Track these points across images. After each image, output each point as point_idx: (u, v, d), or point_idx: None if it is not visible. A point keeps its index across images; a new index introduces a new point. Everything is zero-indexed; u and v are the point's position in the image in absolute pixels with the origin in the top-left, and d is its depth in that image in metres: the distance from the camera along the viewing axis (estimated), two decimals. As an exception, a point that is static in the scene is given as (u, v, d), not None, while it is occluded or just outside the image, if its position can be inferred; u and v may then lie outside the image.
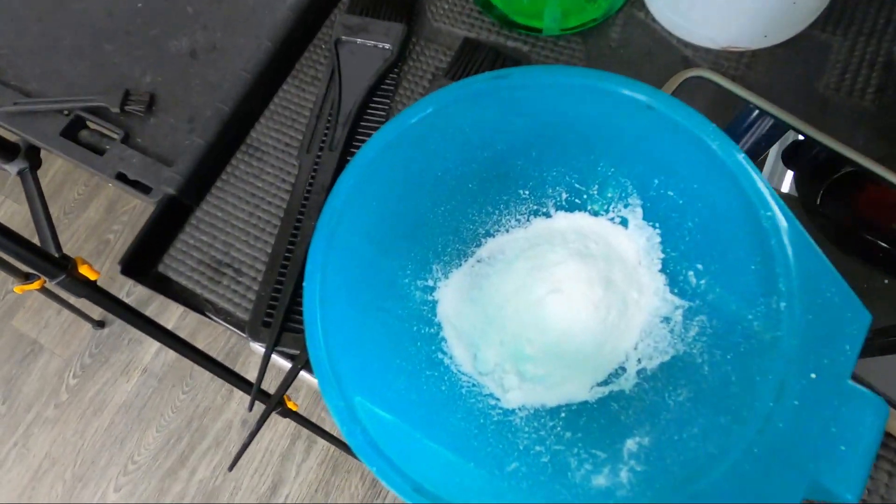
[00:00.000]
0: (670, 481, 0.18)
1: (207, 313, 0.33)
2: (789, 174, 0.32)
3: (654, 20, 0.36)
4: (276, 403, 0.30)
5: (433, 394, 0.26)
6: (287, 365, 0.32)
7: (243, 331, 0.32)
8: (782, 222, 0.20)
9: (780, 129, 0.32)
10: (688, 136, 0.22)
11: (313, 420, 0.77)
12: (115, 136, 0.36)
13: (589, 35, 0.36)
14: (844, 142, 0.30)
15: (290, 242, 0.33)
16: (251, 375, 0.58)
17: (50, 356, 1.25)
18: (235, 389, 1.21)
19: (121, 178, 0.35)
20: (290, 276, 0.32)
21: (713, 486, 0.17)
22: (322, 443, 1.11)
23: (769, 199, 0.20)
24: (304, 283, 0.21)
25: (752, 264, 0.21)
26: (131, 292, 1.23)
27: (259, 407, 0.32)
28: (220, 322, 0.33)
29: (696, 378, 0.23)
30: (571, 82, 0.23)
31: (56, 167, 1.36)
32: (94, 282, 0.48)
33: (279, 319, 0.31)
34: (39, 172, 0.48)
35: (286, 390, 0.30)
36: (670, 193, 0.25)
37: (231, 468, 0.39)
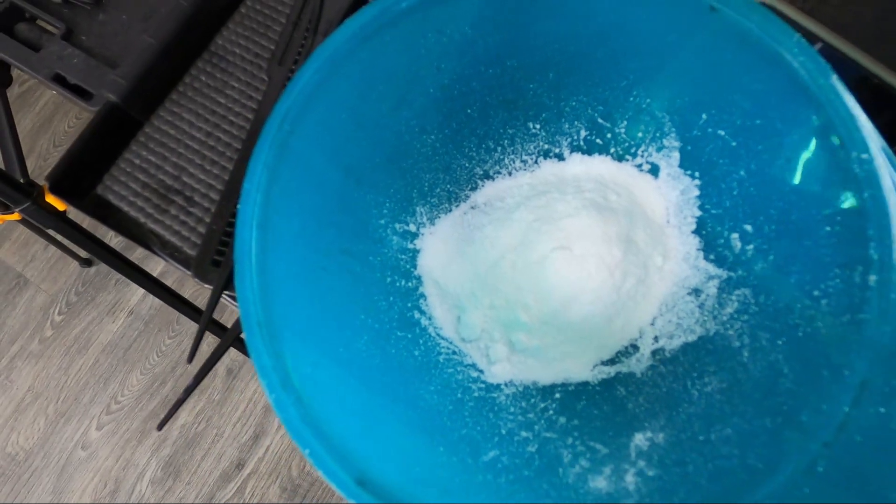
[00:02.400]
0: (696, 494, 0.14)
1: (152, 247, 0.28)
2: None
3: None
4: (225, 348, 0.25)
5: (402, 359, 0.21)
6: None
7: (190, 268, 0.27)
8: (883, 169, 0.14)
9: (851, 76, 0.26)
10: (760, 50, 0.16)
11: None
12: (55, 30, 0.31)
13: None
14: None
15: (252, 170, 0.27)
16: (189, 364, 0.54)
17: (35, 291, 1.22)
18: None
19: (58, 80, 0.29)
20: (248, 210, 0.26)
21: (757, 512, 0.13)
22: (306, 398, 1.09)
23: (868, 137, 0.14)
24: (239, 201, 0.16)
25: (828, 225, 0.16)
26: (115, 235, 1.19)
27: (199, 359, 0.28)
28: (165, 258, 0.28)
29: (730, 366, 0.18)
30: (610, -30, 0.18)
31: (47, 97, 1.30)
32: (63, 213, 0.43)
33: (231, 258, 0.26)
34: (30, 103, 0.42)
35: (231, 342, 0.25)
36: (721, 132, 0.19)
37: (160, 427, 0.35)
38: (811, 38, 0.26)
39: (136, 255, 1.18)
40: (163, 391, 1.18)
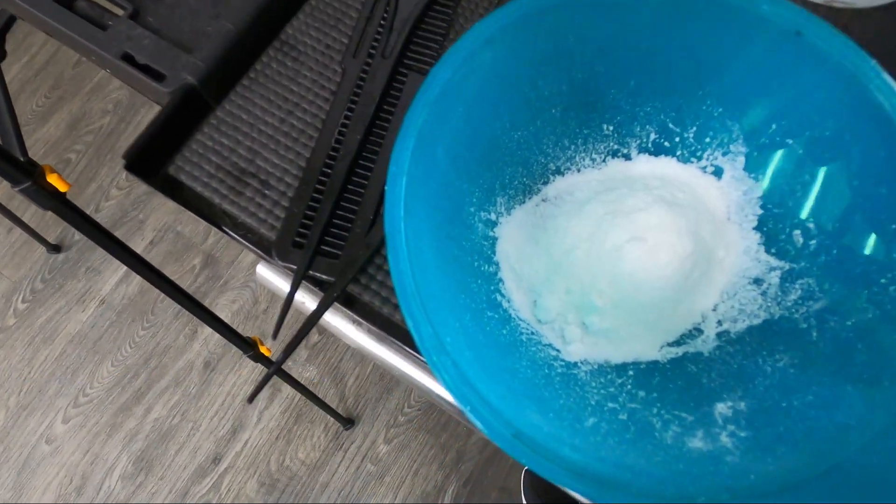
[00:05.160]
0: (795, 450, 0.16)
1: (224, 227, 0.29)
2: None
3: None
4: (305, 333, 0.26)
5: (497, 337, 0.23)
6: (310, 306, 0.28)
7: (266, 251, 0.28)
8: (947, 176, 0.17)
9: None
10: (837, 72, 0.19)
11: (281, 368, 0.74)
12: (120, 11, 0.31)
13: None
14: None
15: (330, 157, 0.28)
16: (222, 317, 0.54)
17: (-4, 277, 1.15)
18: (200, 330, 1.15)
19: (127, 59, 0.29)
20: (329, 194, 0.27)
21: (857, 459, 0.15)
22: (287, 391, 1.08)
23: (935, 148, 0.17)
24: (387, 183, 0.18)
25: (894, 224, 0.18)
26: (94, 216, 1.14)
27: (284, 338, 0.28)
28: (239, 239, 0.28)
29: (799, 344, 0.20)
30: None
31: (11, 74, 1.23)
32: (63, 194, 0.42)
33: (314, 240, 0.27)
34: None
35: (317, 321, 0.26)
36: (789, 141, 0.22)
37: (250, 400, 0.35)
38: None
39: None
40: (135, 384, 1.14)
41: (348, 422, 1.02)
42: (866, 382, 0.17)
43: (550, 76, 0.23)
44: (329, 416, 1.01)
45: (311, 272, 0.27)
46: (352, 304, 0.28)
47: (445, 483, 0.99)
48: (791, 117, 0.22)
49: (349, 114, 0.29)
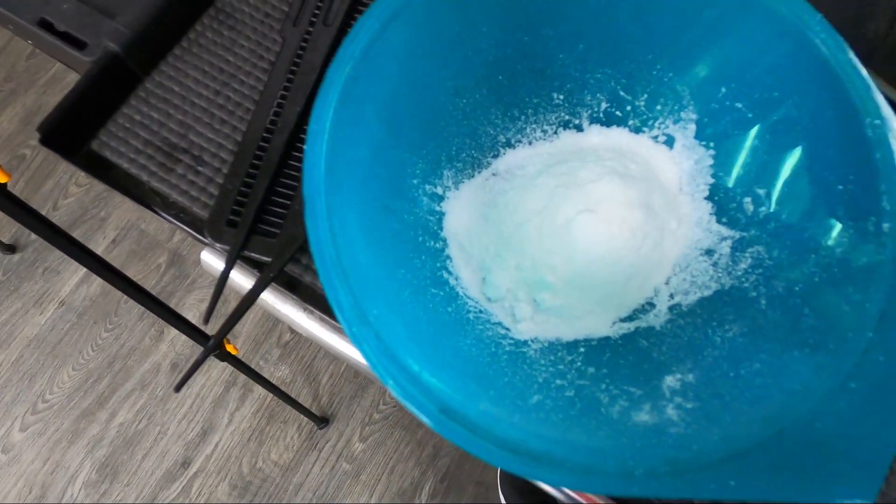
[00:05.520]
0: (739, 418, 0.15)
1: (154, 207, 0.27)
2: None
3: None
4: (238, 316, 0.25)
5: (440, 315, 0.22)
6: (246, 285, 0.26)
7: (199, 231, 0.26)
8: (894, 133, 0.16)
9: None
10: (783, 27, 0.19)
11: (252, 367, 0.72)
12: (39, -28, 0.28)
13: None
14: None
15: (268, 130, 0.27)
16: (189, 317, 0.51)
17: (-55, 278, 1.10)
18: (166, 330, 1.11)
19: (45, 26, 0.27)
20: (266, 170, 0.26)
21: (801, 424, 0.14)
22: (259, 391, 1.05)
23: (881, 105, 0.17)
24: (305, 144, 0.16)
25: (841, 184, 0.18)
26: (51, 214, 1.09)
27: (210, 329, 0.26)
28: (170, 219, 0.26)
29: (749, 313, 0.20)
30: (654, -55, 0.19)
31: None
32: (3, 185, 0.39)
33: (248, 218, 0.25)
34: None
35: (252, 302, 0.25)
36: (738, 105, 0.21)
37: (177, 389, 0.33)
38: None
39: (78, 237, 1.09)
40: (98, 388, 1.10)
41: (322, 421, 1.00)
42: (812, 347, 0.16)
43: (494, 37, 0.22)
44: (302, 416, 0.99)
45: (246, 252, 0.25)
46: (294, 288, 0.26)
47: (422, 479, 0.98)
48: (740, 79, 0.21)
49: (288, 84, 0.27)
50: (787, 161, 0.20)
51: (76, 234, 1.11)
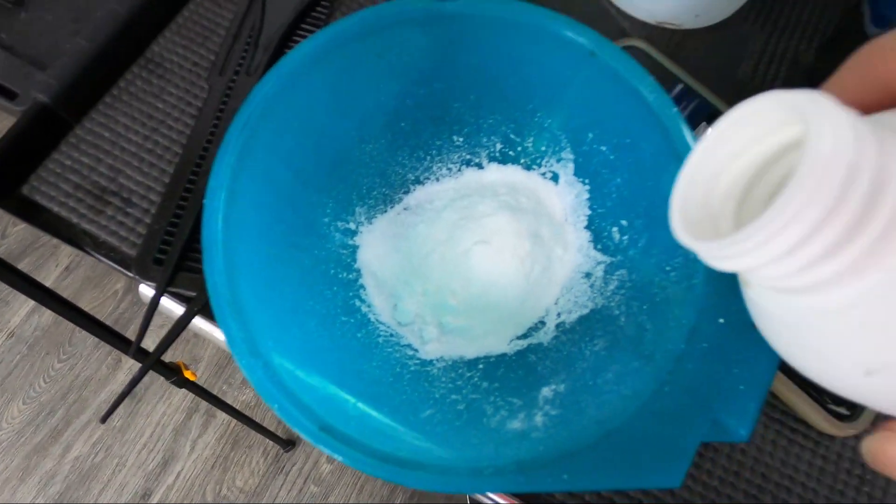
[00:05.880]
0: (584, 422, 0.18)
1: (85, 247, 0.28)
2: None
3: (597, -13, 0.36)
4: (163, 349, 0.26)
5: (347, 340, 0.24)
6: (179, 312, 0.28)
7: (129, 269, 0.28)
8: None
9: (701, 110, 0.33)
10: (626, 87, 0.22)
11: (214, 393, 0.72)
12: (-30, 26, 0.30)
13: (534, -7, 0.36)
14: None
15: (193, 172, 0.29)
16: (145, 344, 0.52)
17: None
18: (124, 359, 1.09)
19: (-24, 77, 0.29)
20: (191, 210, 0.28)
21: (627, 424, 0.17)
22: (222, 417, 1.04)
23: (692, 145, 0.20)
24: (205, 196, 0.18)
25: (675, 218, 0.21)
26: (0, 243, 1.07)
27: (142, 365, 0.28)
28: (101, 258, 0.28)
29: (612, 328, 0.23)
30: (518, 18, 0.22)
31: None
32: None
33: (174, 255, 0.27)
34: None
35: (178, 335, 0.27)
36: (602, 148, 0.25)
37: (103, 420, 0.34)
38: (674, 79, 0.33)
39: (23, 266, 1.07)
40: (51, 421, 1.07)
41: (288, 443, 1.00)
42: (647, 358, 0.19)
43: (390, 92, 0.25)
44: (268, 440, 0.98)
45: (172, 288, 0.27)
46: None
47: (391, 497, 0.98)
48: (601, 127, 0.24)
49: (214, 130, 0.30)
50: (638, 198, 0.23)
51: (27, 263, 1.09)
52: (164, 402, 1.06)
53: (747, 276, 0.11)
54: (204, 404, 1.05)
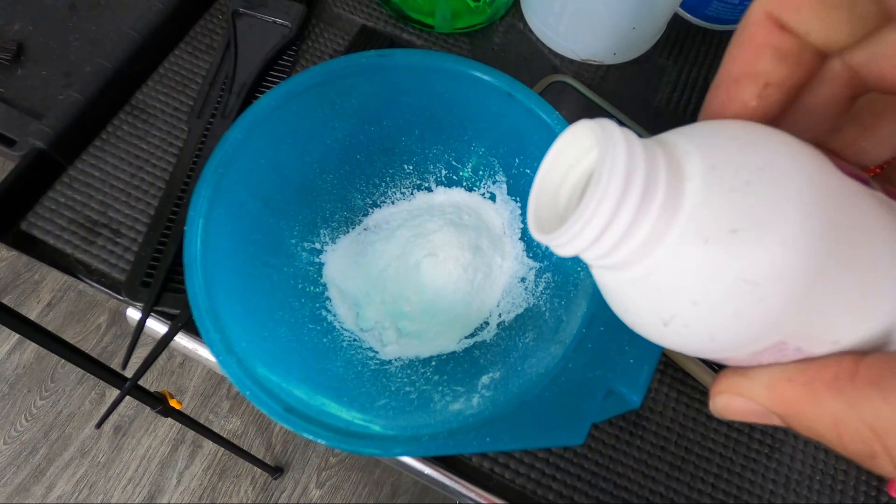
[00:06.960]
0: (508, 398, 0.22)
1: (79, 275, 0.32)
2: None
3: (530, 31, 0.41)
4: (154, 357, 0.30)
5: (314, 345, 0.28)
6: (162, 332, 0.31)
7: (118, 292, 0.31)
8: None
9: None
10: (538, 121, 0.27)
11: (201, 422, 0.73)
12: (-28, 83, 0.34)
13: (475, 37, 0.41)
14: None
15: (175, 205, 0.32)
16: (128, 373, 0.54)
17: None
18: (108, 392, 1.10)
19: (-22, 128, 0.32)
20: (174, 238, 0.31)
21: (539, 397, 0.21)
22: (209, 446, 1.04)
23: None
24: (186, 225, 0.22)
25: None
26: (-20, 281, 1.07)
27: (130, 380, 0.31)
28: (93, 284, 0.31)
29: (539, 322, 0.27)
30: (445, 67, 0.27)
31: None
32: None
33: (160, 278, 0.30)
34: None
35: (167, 345, 0.30)
36: (527, 171, 0.29)
37: (98, 425, 0.36)
38: (599, 108, 0.38)
39: (6, 301, 1.08)
40: (34, 460, 1.06)
41: (277, 470, 1.00)
42: (561, 343, 0.23)
43: (344, 130, 0.29)
44: (256, 468, 0.98)
45: (158, 307, 0.30)
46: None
47: (381, 518, 0.99)
48: (524, 153, 0.29)
49: (193, 166, 0.33)
50: (557, 211, 0.28)
51: (8, 300, 1.10)
52: (149, 435, 1.06)
53: (588, 261, 0.15)
54: (190, 435, 1.06)
